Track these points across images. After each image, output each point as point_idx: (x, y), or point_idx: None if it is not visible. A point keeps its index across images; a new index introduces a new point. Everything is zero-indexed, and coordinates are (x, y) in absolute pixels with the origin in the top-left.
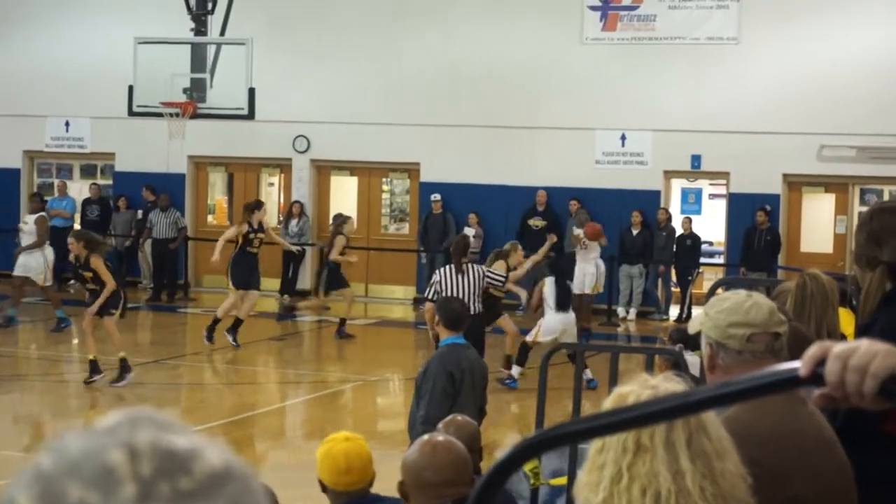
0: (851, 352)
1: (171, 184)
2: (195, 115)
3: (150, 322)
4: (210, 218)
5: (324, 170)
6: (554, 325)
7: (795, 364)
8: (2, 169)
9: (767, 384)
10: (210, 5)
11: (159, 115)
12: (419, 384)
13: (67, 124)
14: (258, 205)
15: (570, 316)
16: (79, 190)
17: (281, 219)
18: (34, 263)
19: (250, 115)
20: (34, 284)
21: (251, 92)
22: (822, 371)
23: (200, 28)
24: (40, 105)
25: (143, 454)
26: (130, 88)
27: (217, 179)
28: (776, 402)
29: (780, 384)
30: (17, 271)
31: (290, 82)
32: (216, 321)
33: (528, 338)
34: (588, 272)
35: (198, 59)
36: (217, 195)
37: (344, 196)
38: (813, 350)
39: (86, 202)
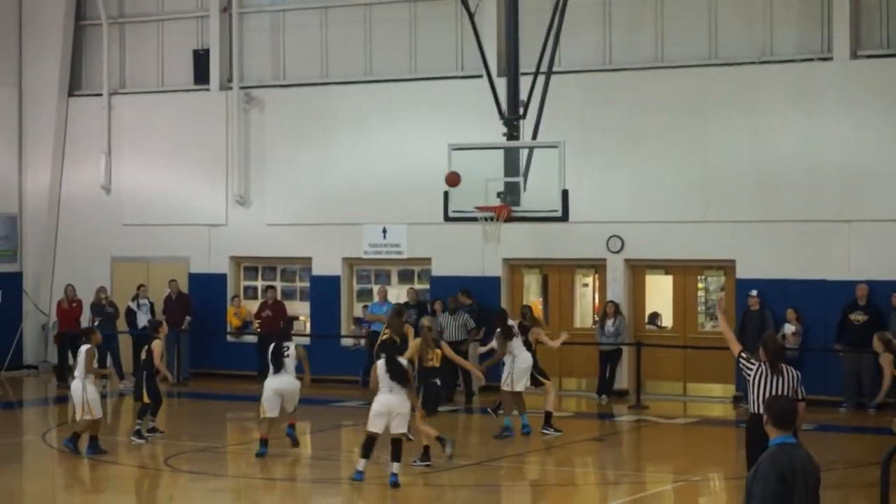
0: None
1: (486, 287)
2: (509, 219)
3: (461, 424)
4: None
5: (638, 269)
6: None
7: None
8: (324, 276)
9: None
10: (521, 110)
11: (474, 219)
12: (749, 486)
13: (385, 231)
14: None
15: None
16: (396, 295)
17: (596, 319)
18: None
19: (564, 217)
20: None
21: (564, 194)
22: None
23: (513, 132)
24: (358, 213)
25: None
26: (446, 194)
27: (532, 281)
28: None
29: None
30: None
31: (603, 182)
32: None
33: None
34: None
35: (511, 162)
36: (532, 297)
37: (659, 294)
38: None
39: (405, 306)
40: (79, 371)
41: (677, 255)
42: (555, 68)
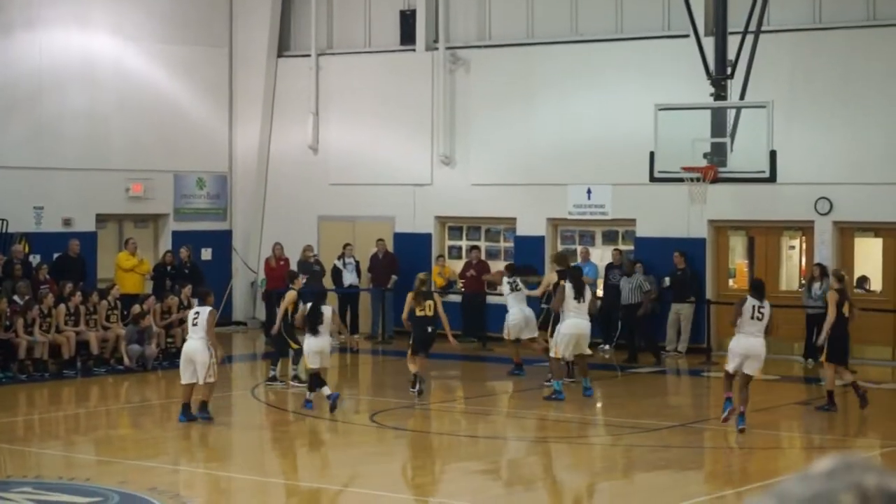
0: None
1: (691, 248)
2: (716, 180)
3: (674, 385)
4: (731, 282)
5: (847, 231)
6: None
7: None
8: (528, 237)
9: None
10: (729, 70)
11: (680, 180)
12: None
13: (589, 192)
14: None
15: None
16: (599, 256)
17: (803, 282)
18: None
19: (772, 178)
20: None
21: (772, 155)
22: None
23: (720, 92)
24: (562, 174)
25: (872, 497)
26: (651, 155)
27: (737, 243)
28: None
29: None
30: None
31: (811, 143)
32: None
33: None
34: None
35: (718, 123)
36: (737, 259)
37: (867, 258)
38: None
39: (608, 267)
40: (198, 333)
41: (887, 217)
42: (763, 27)
